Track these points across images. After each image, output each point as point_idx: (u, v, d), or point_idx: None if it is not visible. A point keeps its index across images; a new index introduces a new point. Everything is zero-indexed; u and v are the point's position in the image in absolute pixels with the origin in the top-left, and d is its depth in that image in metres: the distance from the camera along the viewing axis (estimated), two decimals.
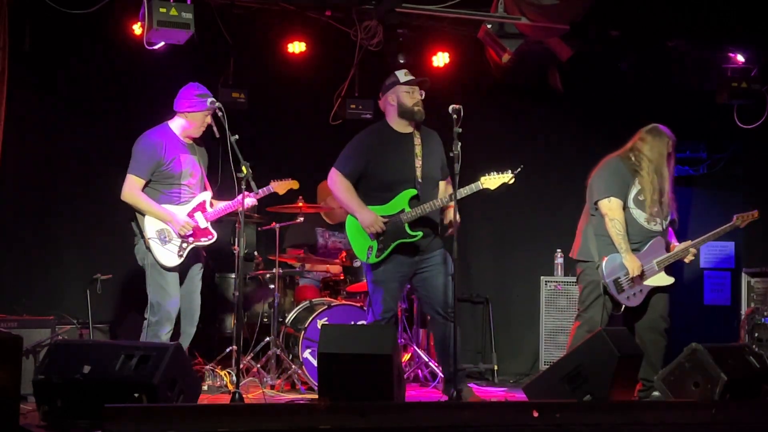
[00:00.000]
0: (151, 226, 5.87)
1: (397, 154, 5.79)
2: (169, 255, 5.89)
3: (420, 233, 5.63)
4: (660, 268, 6.01)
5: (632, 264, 5.89)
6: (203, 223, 6.00)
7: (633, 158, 6.06)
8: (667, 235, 6.15)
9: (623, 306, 5.95)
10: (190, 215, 5.97)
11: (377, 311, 5.78)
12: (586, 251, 6.06)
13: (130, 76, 7.48)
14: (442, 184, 5.98)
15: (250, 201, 6.03)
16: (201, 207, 6.03)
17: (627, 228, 5.94)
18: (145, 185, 5.93)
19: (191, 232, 5.92)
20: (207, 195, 6.10)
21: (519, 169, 5.67)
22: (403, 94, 5.81)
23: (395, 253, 5.72)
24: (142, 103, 7.08)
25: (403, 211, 5.68)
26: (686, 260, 6.11)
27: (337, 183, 5.84)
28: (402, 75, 5.85)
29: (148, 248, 5.86)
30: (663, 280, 6.03)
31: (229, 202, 6.09)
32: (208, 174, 6.22)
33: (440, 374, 6.84)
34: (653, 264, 5.98)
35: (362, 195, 5.80)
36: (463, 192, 5.65)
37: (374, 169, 5.78)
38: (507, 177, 5.67)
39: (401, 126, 5.88)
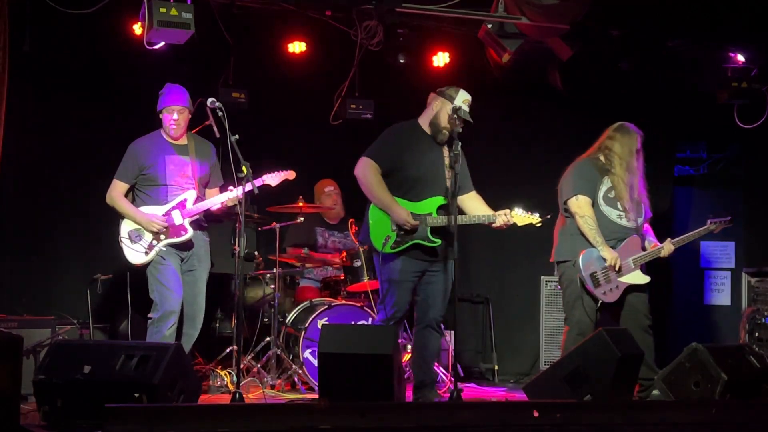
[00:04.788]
0: (125, 227, 6.03)
1: (423, 153, 5.76)
2: (135, 253, 5.98)
3: (439, 241, 5.60)
4: (636, 265, 6.04)
5: (609, 254, 5.92)
6: (178, 220, 6.02)
7: (603, 158, 6.12)
8: (643, 234, 6.19)
9: (600, 302, 5.96)
10: (167, 214, 6.01)
11: (389, 310, 5.74)
12: (563, 251, 6.09)
13: (130, 76, 7.48)
14: (474, 196, 5.95)
15: (234, 194, 5.98)
16: (180, 205, 6.06)
17: (599, 225, 5.97)
18: (133, 188, 6.11)
19: (160, 229, 5.95)
20: (190, 194, 6.09)
21: (548, 216, 5.84)
22: (445, 113, 5.74)
23: (410, 251, 5.69)
24: (142, 103, 7.06)
25: (430, 215, 5.64)
26: (662, 254, 6.14)
27: (369, 174, 5.69)
28: (460, 99, 5.72)
29: (121, 248, 6.00)
30: (639, 278, 6.06)
31: (213, 198, 6.11)
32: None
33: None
34: (629, 261, 6.01)
35: (390, 187, 5.72)
36: (491, 218, 5.71)
37: (404, 160, 5.73)
38: (535, 219, 5.75)
39: (429, 130, 5.87)
